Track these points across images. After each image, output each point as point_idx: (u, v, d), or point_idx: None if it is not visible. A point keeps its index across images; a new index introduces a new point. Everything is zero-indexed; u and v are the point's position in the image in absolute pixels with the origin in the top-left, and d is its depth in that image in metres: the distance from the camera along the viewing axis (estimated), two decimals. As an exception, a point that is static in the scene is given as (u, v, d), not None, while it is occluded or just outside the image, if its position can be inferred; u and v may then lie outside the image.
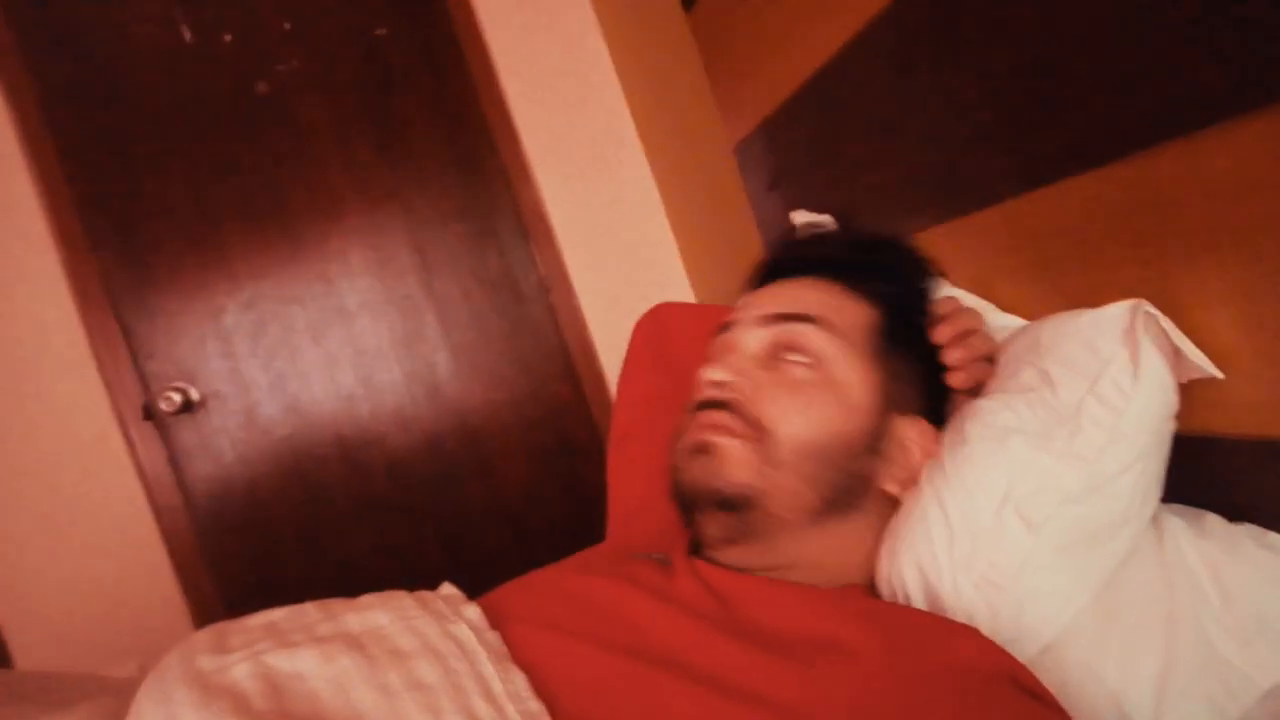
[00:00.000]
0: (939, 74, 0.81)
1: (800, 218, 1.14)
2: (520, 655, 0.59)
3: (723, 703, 0.54)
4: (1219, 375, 0.60)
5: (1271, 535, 0.61)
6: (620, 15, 2.01)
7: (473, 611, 0.64)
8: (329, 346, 2.12)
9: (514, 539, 2.17)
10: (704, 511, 0.70)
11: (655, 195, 2.19)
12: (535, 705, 0.54)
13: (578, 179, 2.17)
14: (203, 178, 2.08)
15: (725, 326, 0.77)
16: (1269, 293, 0.56)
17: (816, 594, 0.65)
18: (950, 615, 0.65)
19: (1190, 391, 0.64)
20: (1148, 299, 0.63)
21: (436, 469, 2.15)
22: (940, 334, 0.75)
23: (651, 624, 0.62)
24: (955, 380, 0.75)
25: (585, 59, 2.17)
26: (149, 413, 2.05)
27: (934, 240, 0.91)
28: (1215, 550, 0.61)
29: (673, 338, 1.10)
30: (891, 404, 0.72)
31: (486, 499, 2.17)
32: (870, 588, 0.72)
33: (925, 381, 0.75)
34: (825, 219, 1.10)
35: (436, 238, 2.16)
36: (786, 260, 0.82)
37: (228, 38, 2.10)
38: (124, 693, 0.60)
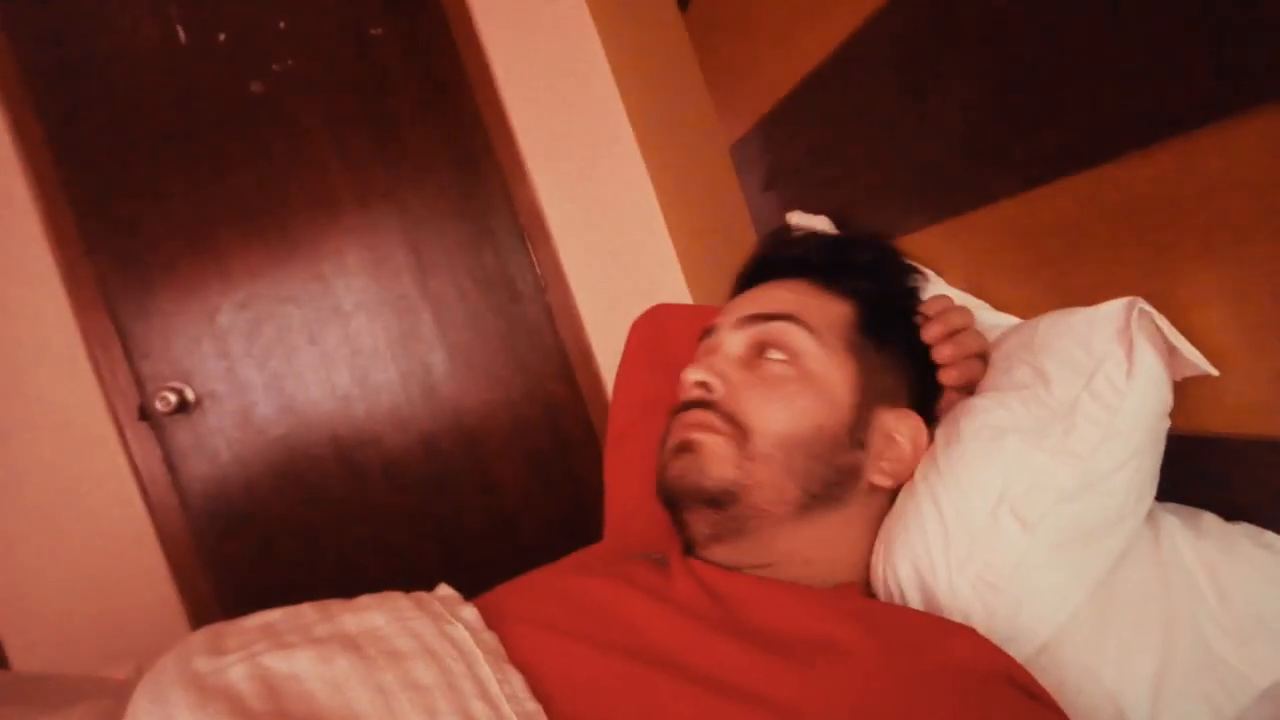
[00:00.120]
0: (935, 73, 0.81)
1: (796, 219, 1.14)
2: (517, 655, 0.59)
3: (720, 703, 0.54)
4: (1214, 372, 0.60)
5: (1268, 534, 0.61)
6: (616, 14, 2.00)
7: (469, 612, 0.64)
8: (325, 346, 2.12)
9: (510, 539, 2.17)
10: (690, 510, 0.71)
11: (651, 195, 2.19)
12: (532, 705, 0.54)
13: (574, 178, 2.17)
14: (198, 177, 2.08)
15: (708, 331, 0.79)
16: (1265, 292, 0.56)
17: (813, 594, 0.65)
18: (946, 615, 0.65)
19: (1186, 390, 0.64)
20: (1144, 298, 0.63)
21: (433, 469, 2.15)
22: (929, 332, 0.76)
23: (648, 624, 0.62)
24: (946, 377, 0.75)
25: (581, 58, 2.17)
26: (144, 413, 2.05)
27: (930, 240, 0.91)
28: (1212, 549, 0.61)
29: (669, 338, 1.10)
30: (874, 396, 0.72)
31: (483, 499, 2.17)
32: (866, 587, 0.73)
33: (911, 375, 0.76)
34: (821, 220, 1.10)
35: (432, 237, 2.15)
36: (765, 264, 0.84)
37: (222, 37, 2.09)
38: (120, 694, 0.60)
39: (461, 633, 0.60)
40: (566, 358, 2.19)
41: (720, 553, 0.71)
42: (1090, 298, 0.67)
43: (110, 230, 2.06)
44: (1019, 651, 0.62)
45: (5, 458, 1.99)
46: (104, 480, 2.03)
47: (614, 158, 2.19)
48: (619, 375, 1.13)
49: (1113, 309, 0.65)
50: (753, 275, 0.84)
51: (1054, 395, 0.65)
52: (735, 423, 0.70)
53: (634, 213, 2.19)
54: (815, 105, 1.08)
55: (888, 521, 0.72)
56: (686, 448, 0.71)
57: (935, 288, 0.88)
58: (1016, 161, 0.74)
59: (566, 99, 2.17)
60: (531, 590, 0.72)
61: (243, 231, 2.09)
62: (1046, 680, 0.60)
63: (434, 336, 2.16)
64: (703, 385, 0.72)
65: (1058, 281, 0.75)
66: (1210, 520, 0.64)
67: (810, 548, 0.71)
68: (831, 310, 0.75)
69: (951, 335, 0.75)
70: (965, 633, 0.59)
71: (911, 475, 0.73)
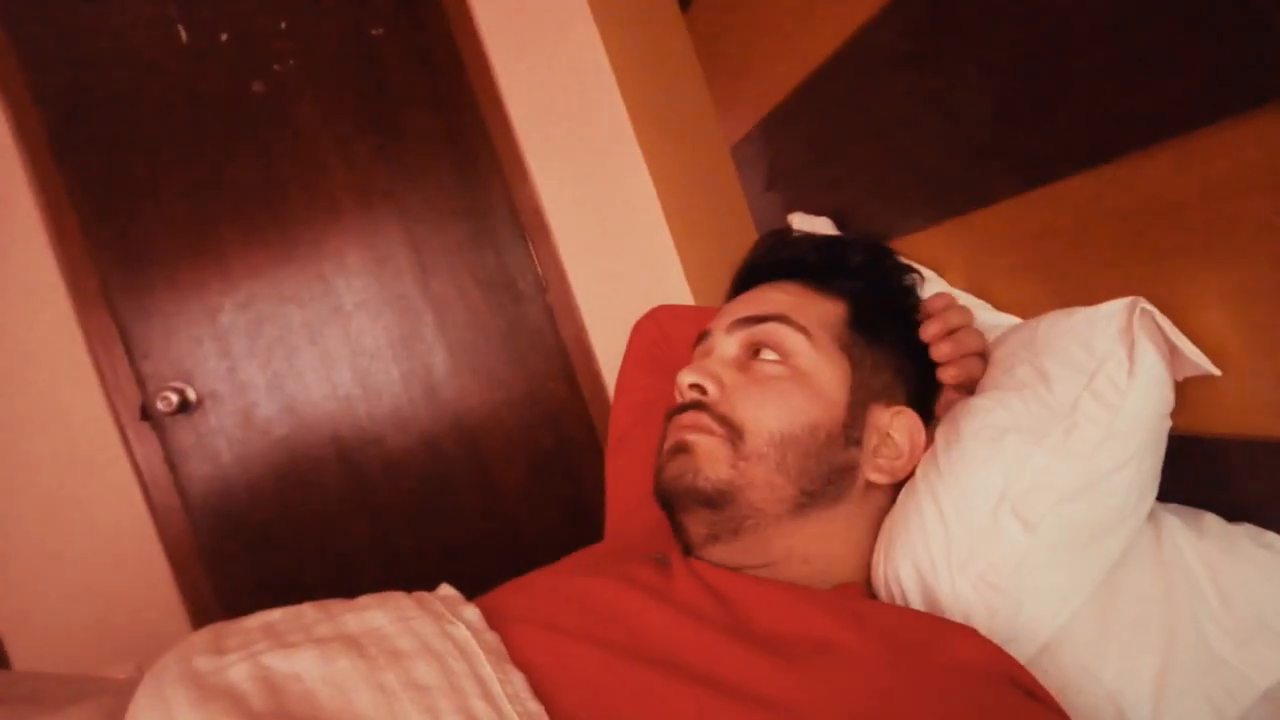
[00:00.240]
0: (936, 74, 0.81)
1: (797, 220, 1.14)
2: (519, 656, 0.59)
3: (722, 703, 0.54)
4: (1216, 372, 0.60)
5: (1269, 535, 0.61)
6: (617, 14, 2.00)
7: (471, 612, 0.64)
8: (326, 346, 2.12)
9: (511, 539, 2.17)
10: (687, 511, 0.72)
11: (653, 195, 2.19)
12: (534, 706, 0.54)
13: (575, 178, 2.17)
14: (199, 178, 2.08)
15: (702, 335, 0.80)
16: (1266, 292, 0.56)
17: (814, 594, 0.65)
18: (948, 615, 0.65)
19: (1188, 391, 0.64)
20: (1144, 297, 0.63)
21: (434, 469, 2.15)
22: (927, 329, 0.76)
23: (650, 624, 0.62)
24: (945, 375, 0.76)
25: (582, 58, 2.17)
26: (146, 413, 2.05)
27: (931, 240, 0.91)
28: (1213, 550, 0.61)
29: (671, 339, 1.10)
30: (868, 394, 0.73)
31: (484, 499, 2.17)
32: (867, 587, 0.73)
33: (908, 373, 0.76)
34: (822, 221, 1.10)
35: (433, 237, 2.15)
36: (757, 268, 0.84)
37: (224, 37, 2.09)
38: (121, 694, 0.60)
39: (463, 633, 0.60)
40: (567, 358, 2.19)
41: (718, 553, 0.71)
42: (1091, 298, 0.67)
43: (111, 230, 2.06)
44: (1020, 652, 0.62)
45: (6, 457, 1.99)
46: (105, 480, 2.03)
47: (616, 158, 2.19)
48: (620, 376, 1.13)
49: (1114, 308, 0.65)
50: (747, 278, 0.85)
51: (1055, 395, 0.65)
52: (729, 423, 0.70)
53: (635, 213, 2.19)
54: (816, 105, 1.08)
55: (888, 521, 0.72)
56: (681, 449, 0.72)
57: (935, 287, 0.88)
58: (1017, 162, 0.74)
59: (568, 99, 2.17)
60: (533, 590, 0.72)
61: (244, 231, 2.10)
62: (1048, 681, 0.60)
63: (435, 336, 2.16)
64: (697, 388, 0.73)
65: (1058, 282, 0.75)
66: (1211, 520, 0.64)
67: (808, 546, 0.71)
68: (824, 310, 0.75)
69: (950, 333, 0.76)
70: (966, 633, 0.59)
71: (909, 472, 0.73)
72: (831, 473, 0.71)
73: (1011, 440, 0.65)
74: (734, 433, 0.70)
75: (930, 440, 0.73)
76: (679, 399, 0.75)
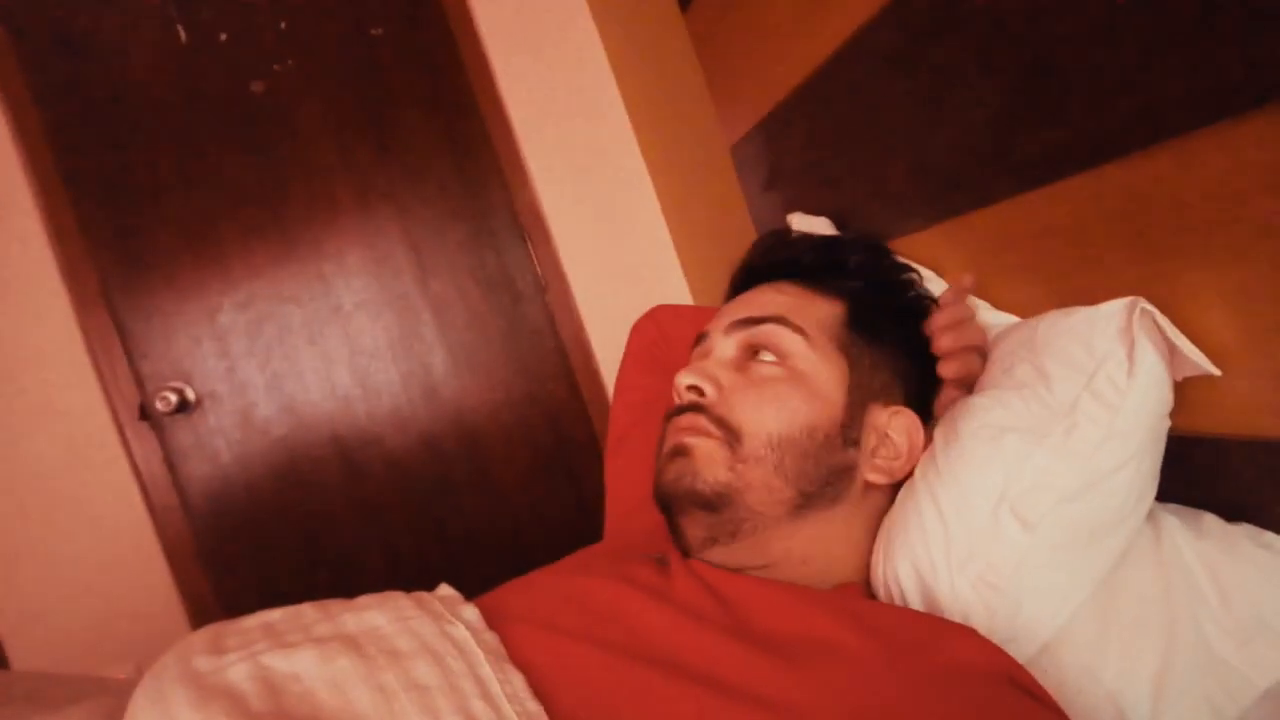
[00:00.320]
0: (936, 74, 0.81)
1: (797, 221, 1.14)
2: (518, 655, 0.59)
3: (721, 703, 0.54)
4: (1216, 372, 0.60)
5: (1269, 535, 0.61)
6: (617, 14, 2.00)
7: (470, 612, 0.64)
8: (325, 346, 2.12)
9: (511, 539, 2.17)
10: (686, 514, 0.71)
11: (652, 195, 2.19)
12: (533, 706, 0.54)
13: (575, 179, 2.17)
14: (199, 177, 2.08)
15: (700, 337, 0.80)
16: (1265, 292, 0.56)
17: (813, 595, 0.65)
18: (947, 615, 0.65)
19: (1187, 391, 0.64)
20: (1144, 297, 0.63)
21: (433, 469, 2.15)
22: (937, 319, 0.76)
23: (650, 624, 0.62)
24: (945, 370, 0.75)
25: (582, 58, 2.17)
26: (145, 413, 2.05)
27: (930, 240, 0.91)
28: (1213, 550, 0.61)
29: (670, 339, 1.10)
30: (866, 394, 0.73)
31: (483, 499, 2.17)
32: (866, 587, 0.73)
33: (906, 372, 0.76)
34: (822, 221, 1.10)
35: (433, 238, 2.15)
36: (755, 268, 0.85)
37: (223, 37, 2.09)
38: (121, 694, 0.60)
39: (462, 633, 0.60)
40: (567, 358, 2.19)
41: (717, 555, 0.71)
42: (1090, 298, 0.67)
43: (111, 230, 2.06)
44: (1020, 652, 0.62)
45: (6, 457, 1.99)
46: (104, 480, 2.03)
47: (615, 158, 2.19)
48: (619, 376, 1.13)
49: (1114, 308, 0.65)
50: (745, 279, 0.85)
51: (1055, 394, 0.65)
52: (726, 425, 0.70)
53: (635, 213, 2.19)
54: (816, 106, 1.08)
55: (887, 521, 0.72)
56: (680, 452, 0.72)
57: (935, 287, 0.88)
58: (1017, 162, 0.74)
59: (568, 99, 2.17)
60: (532, 590, 0.72)
61: (243, 231, 2.09)
62: (1047, 681, 0.60)
63: (435, 337, 2.16)
64: (694, 389, 0.73)
65: (1058, 282, 0.75)
66: (1211, 521, 0.64)
67: (807, 548, 0.71)
68: (821, 310, 0.76)
69: (955, 325, 0.76)
70: (966, 633, 0.59)
71: (908, 472, 0.73)
72: (830, 474, 0.71)
73: (1011, 440, 0.65)
74: (732, 435, 0.70)
75: (929, 439, 0.73)
76: (677, 400, 0.75)
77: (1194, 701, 0.58)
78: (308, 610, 0.65)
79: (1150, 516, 0.66)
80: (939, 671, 0.55)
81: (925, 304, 0.81)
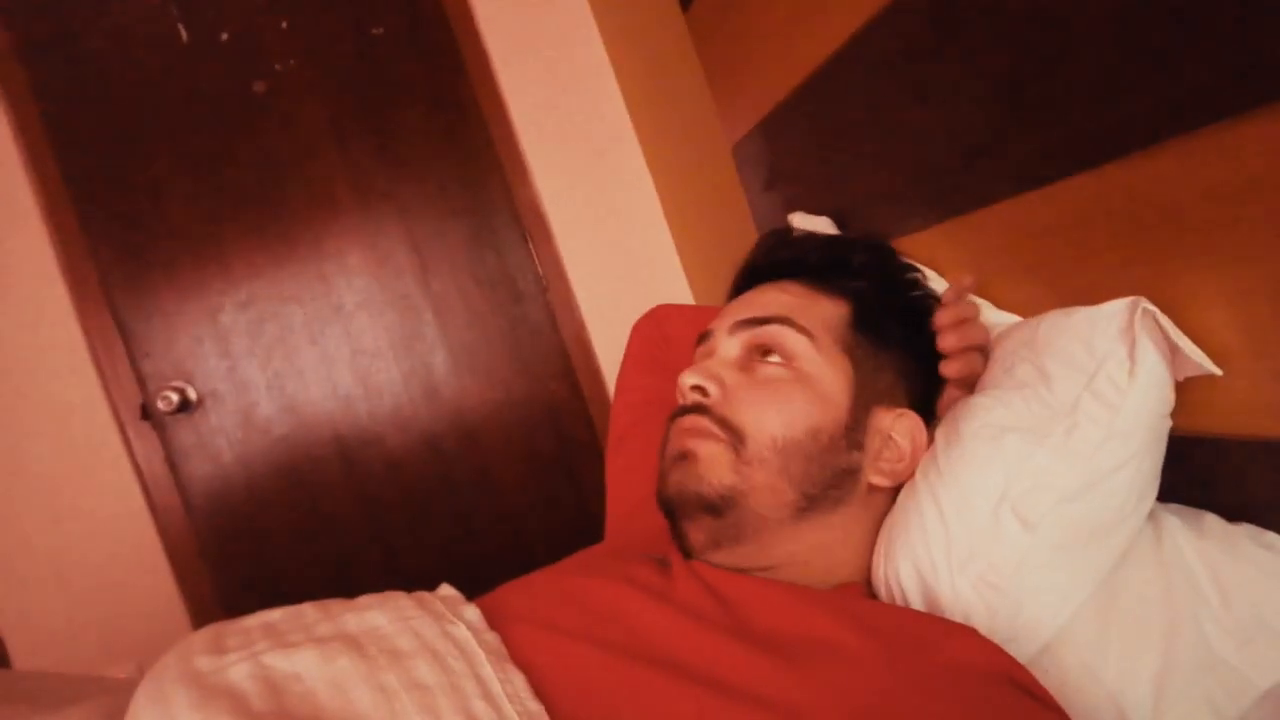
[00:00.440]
0: (936, 74, 0.81)
1: (798, 220, 1.14)
2: (519, 656, 0.59)
3: (722, 703, 0.54)
4: (1217, 372, 0.60)
5: (1270, 535, 0.61)
6: (618, 14, 2.00)
7: (471, 612, 0.64)
8: (326, 346, 2.12)
9: (512, 539, 2.17)
10: (690, 518, 0.71)
11: (653, 194, 2.19)
12: (534, 706, 0.54)
13: (576, 178, 2.17)
14: (200, 177, 2.08)
15: (704, 336, 0.79)
16: (1266, 292, 0.56)
17: (814, 595, 0.65)
18: (948, 615, 0.65)
19: (1188, 391, 0.64)
20: (1145, 297, 0.63)
21: (434, 469, 2.15)
22: (942, 316, 0.75)
23: (651, 624, 0.62)
24: (947, 369, 0.75)
25: (583, 58, 2.17)
26: (146, 412, 2.05)
27: (931, 240, 0.91)
28: (1214, 550, 0.61)
29: (670, 339, 1.10)
30: (870, 395, 0.72)
31: (484, 499, 2.17)
32: (867, 587, 0.72)
33: (910, 374, 0.76)
34: (822, 220, 1.10)
35: (434, 237, 2.15)
36: (759, 267, 0.84)
37: (225, 37, 2.09)
38: (122, 693, 0.60)
39: (463, 633, 0.60)
40: (568, 357, 2.19)
41: (719, 558, 0.71)
42: (1091, 298, 0.67)
43: (112, 230, 2.06)
44: (1020, 652, 0.62)
45: (6, 457, 2.00)
46: (105, 480, 2.03)
47: (616, 157, 2.19)
48: (620, 375, 1.13)
49: (1115, 308, 0.64)
50: (749, 278, 0.84)
51: (1055, 394, 0.65)
52: (730, 427, 0.70)
53: (636, 212, 2.19)
54: (817, 105, 1.08)
55: (888, 521, 0.72)
56: (684, 457, 0.71)
57: (936, 287, 0.88)
58: (1017, 162, 0.74)
59: (568, 98, 2.17)
60: (533, 590, 0.72)
61: (244, 231, 2.10)
62: (1048, 681, 0.60)
63: (436, 336, 2.16)
64: (699, 389, 0.73)
65: (1058, 282, 0.75)
66: (1212, 520, 0.64)
67: (810, 550, 0.71)
68: (827, 311, 0.75)
69: (959, 324, 0.75)
70: (966, 633, 0.59)
71: (911, 474, 0.73)
72: (833, 477, 0.70)
73: (1012, 440, 0.65)
74: (735, 437, 0.69)
75: (930, 439, 0.73)
76: (681, 400, 0.75)
77: (1194, 701, 0.58)
78: (309, 610, 0.65)
79: (1151, 516, 0.66)
80: (939, 671, 0.55)
81: (929, 304, 0.80)
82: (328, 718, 0.52)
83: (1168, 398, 0.63)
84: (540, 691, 0.56)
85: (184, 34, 2.08)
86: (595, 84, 2.18)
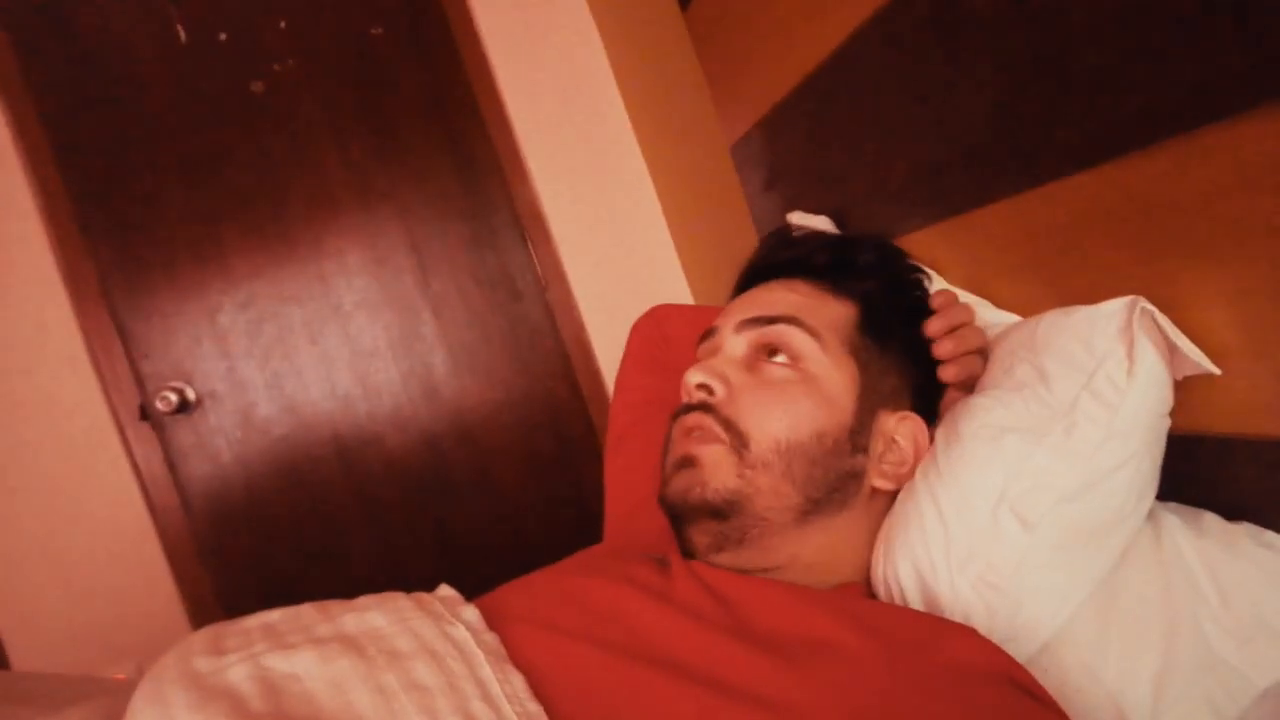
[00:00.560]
0: (936, 73, 0.81)
1: (797, 219, 1.14)
2: (518, 656, 0.59)
3: (722, 703, 0.54)
4: (1216, 371, 0.60)
5: (1269, 534, 0.61)
6: (617, 13, 2.00)
7: (470, 613, 0.64)
8: (326, 346, 2.12)
9: (511, 539, 2.17)
10: (693, 522, 0.71)
11: (652, 194, 2.19)
12: (533, 706, 0.54)
13: (575, 178, 2.17)
14: (199, 177, 2.08)
15: (708, 334, 0.78)
16: (1265, 291, 0.56)
17: (814, 595, 0.65)
18: (947, 615, 0.65)
19: (1188, 390, 0.64)
20: (1144, 297, 0.63)
21: (434, 469, 2.15)
22: (932, 326, 0.75)
23: (650, 624, 0.62)
24: (946, 374, 0.75)
25: (582, 58, 2.17)
26: (145, 413, 2.05)
27: (931, 239, 0.91)
28: (1213, 549, 0.61)
29: (670, 339, 1.10)
30: (875, 398, 0.72)
31: (484, 499, 2.17)
32: (867, 587, 0.72)
33: (913, 376, 0.75)
34: (822, 220, 1.10)
35: (433, 237, 2.15)
36: (765, 265, 0.83)
37: (223, 37, 2.09)
38: (121, 694, 0.60)
39: (463, 633, 0.60)
40: (567, 357, 2.19)
41: (722, 560, 0.71)
42: (1090, 297, 0.67)
43: (111, 230, 2.06)
44: (1020, 652, 0.62)
45: (5, 457, 1.99)
46: (104, 480, 2.03)
47: (615, 157, 2.19)
48: (619, 375, 1.13)
49: (1114, 307, 0.64)
50: (754, 275, 0.84)
51: (1054, 394, 0.65)
52: (734, 429, 0.69)
53: (635, 212, 2.19)
54: (816, 105, 1.08)
55: (888, 521, 0.72)
56: (688, 462, 0.71)
57: (935, 286, 0.88)
58: (1016, 161, 0.74)
59: (568, 99, 2.17)
60: (533, 591, 0.72)
61: (243, 231, 2.09)
62: (1047, 680, 0.60)
63: (435, 336, 2.16)
64: (704, 388, 0.72)
65: (1058, 281, 0.75)
66: (1211, 520, 0.64)
67: (814, 553, 0.71)
68: (833, 312, 0.75)
69: (953, 330, 0.75)
70: (966, 633, 0.59)
71: (913, 476, 0.73)
72: (837, 480, 0.70)
73: (1011, 440, 0.65)
74: (739, 439, 0.69)
75: (931, 440, 0.73)
76: (685, 399, 0.74)
77: (1194, 701, 0.58)
78: (308, 611, 0.65)
79: (1151, 516, 0.66)
80: (939, 671, 0.55)
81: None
82: (327, 719, 0.52)
83: (1166, 397, 0.63)
84: (540, 692, 0.56)
85: (182, 34, 2.08)
86: (595, 84, 2.18)
